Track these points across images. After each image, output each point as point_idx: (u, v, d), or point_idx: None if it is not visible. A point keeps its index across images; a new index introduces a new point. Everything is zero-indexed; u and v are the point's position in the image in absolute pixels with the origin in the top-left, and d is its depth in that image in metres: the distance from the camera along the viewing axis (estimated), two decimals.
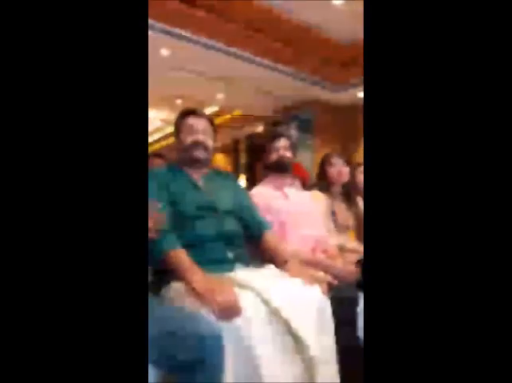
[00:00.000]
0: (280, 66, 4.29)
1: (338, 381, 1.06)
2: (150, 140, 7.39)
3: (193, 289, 0.95)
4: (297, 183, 1.86)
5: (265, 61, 4.17)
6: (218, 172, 1.40)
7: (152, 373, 0.84)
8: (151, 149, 7.11)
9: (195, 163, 1.27)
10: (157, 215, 1.01)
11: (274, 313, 0.94)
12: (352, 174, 1.98)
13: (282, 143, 1.64)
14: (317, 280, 1.12)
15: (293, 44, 4.02)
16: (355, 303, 1.27)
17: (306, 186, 2.06)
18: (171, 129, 6.80)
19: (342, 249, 1.65)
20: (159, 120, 6.61)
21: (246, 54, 4.00)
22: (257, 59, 4.11)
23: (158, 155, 2.20)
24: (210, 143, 1.29)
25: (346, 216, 1.83)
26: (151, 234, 0.98)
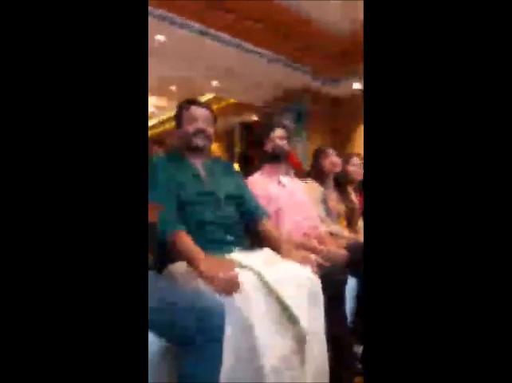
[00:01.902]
0: (275, 56, 4.32)
1: (326, 354, 1.15)
2: None
3: (196, 267, 1.03)
4: (292, 172, 1.94)
5: (261, 51, 4.19)
6: (217, 160, 1.46)
7: (158, 344, 0.92)
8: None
9: (196, 150, 1.33)
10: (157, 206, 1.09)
11: (270, 291, 1.03)
12: (344, 165, 2.07)
13: (278, 133, 1.71)
14: (308, 262, 1.20)
15: (288, 35, 4.04)
16: (344, 284, 1.36)
17: (300, 174, 2.13)
18: (165, 116, 6.80)
19: (333, 235, 1.74)
20: (153, 107, 6.59)
21: (242, 43, 4.02)
22: (253, 48, 4.13)
23: (157, 141, 2.25)
24: (210, 131, 1.36)
25: (338, 204, 1.93)
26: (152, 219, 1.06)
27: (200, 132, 1.32)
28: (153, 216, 1.08)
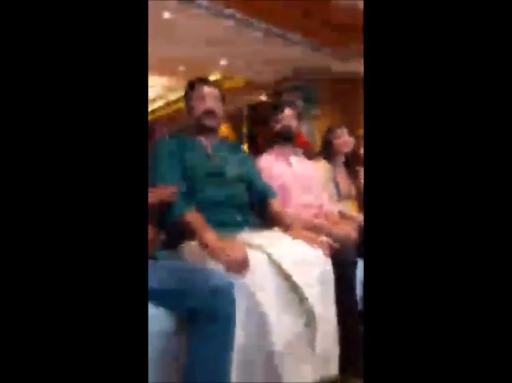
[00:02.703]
0: (285, 34, 4.20)
1: (337, 337, 1.16)
2: (152, 107, 7.32)
3: (206, 246, 1.03)
4: (301, 152, 1.91)
5: (270, 28, 4.08)
6: (226, 141, 1.45)
7: (171, 320, 0.93)
8: (153, 116, 7.05)
9: (206, 130, 1.32)
10: (169, 188, 1.10)
11: (279, 270, 1.03)
12: (355, 145, 2.03)
13: (287, 112, 1.68)
14: (318, 243, 1.20)
15: (298, 10, 3.92)
16: (354, 266, 1.36)
17: (309, 154, 2.11)
18: (173, 96, 6.73)
19: (343, 216, 1.72)
20: (161, 87, 6.52)
21: (251, 21, 3.92)
22: (262, 26, 4.02)
23: (165, 122, 2.23)
24: (220, 111, 1.34)
25: (348, 185, 1.90)
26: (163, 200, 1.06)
27: (209, 112, 1.30)
28: (163, 197, 1.08)
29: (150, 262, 0.97)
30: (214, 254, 1.00)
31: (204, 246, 1.04)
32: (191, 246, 1.10)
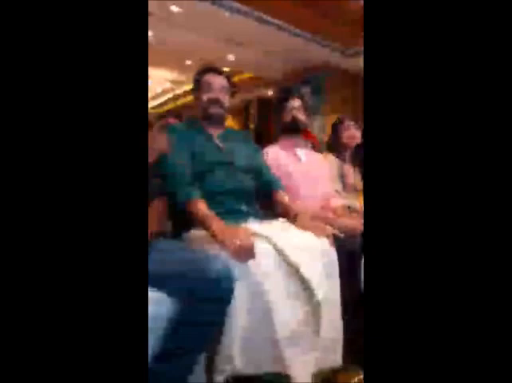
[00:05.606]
0: (292, 28, 4.18)
1: (341, 325, 1.15)
2: (159, 101, 7.34)
3: (213, 234, 1.03)
4: (309, 145, 1.90)
5: (278, 23, 4.06)
6: (234, 131, 1.45)
7: (174, 306, 0.90)
8: (160, 111, 7.08)
9: (212, 119, 1.32)
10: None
11: (284, 259, 1.02)
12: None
13: (295, 103, 1.67)
14: (324, 233, 1.19)
15: (305, 5, 3.90)
16: (358, 256, 1.35)
17: (316, 147, 2.09)
18: (180, 90, 6.75)
19: (350, 209, 1.71)
20: (167, 81, 6.53)
21: (259, 15, 3.90)
22: (270, 20, 4.00)
23: (173, 114, 2.24)
24: (226, 100, 1.33)
25: (355, 178, 1.89)
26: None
27: (214, 100, 1.30)
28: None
29: (151, 246, 0.98)
30: (220, 242, 1.00)
31: (211, 233, 1.03)
32: (195, 234, 1.10)
